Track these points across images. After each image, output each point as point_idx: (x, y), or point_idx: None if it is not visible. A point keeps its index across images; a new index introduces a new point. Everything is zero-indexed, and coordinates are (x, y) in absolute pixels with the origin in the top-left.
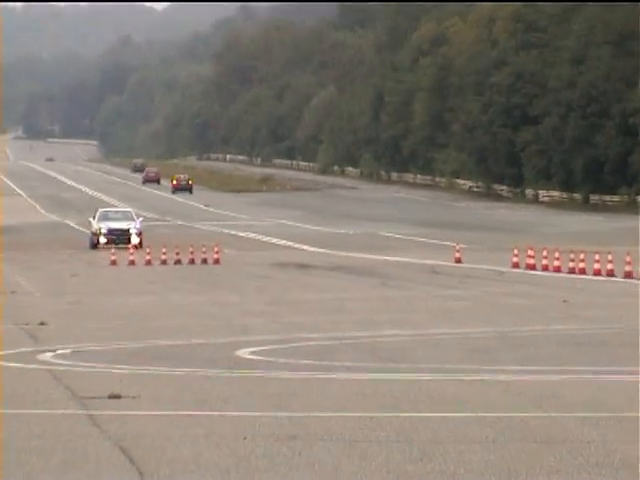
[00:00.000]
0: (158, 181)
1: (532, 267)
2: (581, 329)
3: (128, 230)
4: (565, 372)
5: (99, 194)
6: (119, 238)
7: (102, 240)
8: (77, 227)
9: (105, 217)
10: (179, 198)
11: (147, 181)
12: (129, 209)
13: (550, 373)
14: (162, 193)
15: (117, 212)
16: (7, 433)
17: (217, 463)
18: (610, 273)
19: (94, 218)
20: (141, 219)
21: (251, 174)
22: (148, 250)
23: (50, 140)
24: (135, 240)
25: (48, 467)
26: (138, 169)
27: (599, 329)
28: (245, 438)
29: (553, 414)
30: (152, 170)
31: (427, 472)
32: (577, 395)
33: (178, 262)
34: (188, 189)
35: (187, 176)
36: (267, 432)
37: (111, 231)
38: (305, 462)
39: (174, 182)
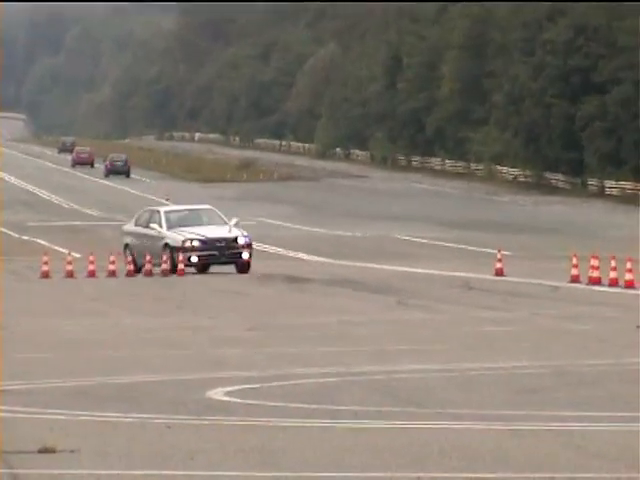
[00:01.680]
0: (92, 164)
1: (596, 281)
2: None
3: (236, 239)
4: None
5: (27, 184)
6: (223, 254)
7: (193, 259)
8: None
9: (181, 220)
10: (130, 188)
11: (78, 163)
12: (208, 206)
13: (621, 420)
14: (110, 183)
15: (195, 212)
16: None
17: None
18: None
19: (159, 223)
20: (237, 219)
21: (227, 158)
22: (91, 258)
23: None
24: (246, 256)
25: None
26: (67, 149)
27: None
28: None
29: (626, 475)
30: (84, 150)
31: None
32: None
33: (131, 273)
34: (125, 172)
35: (125, 156)
36: None
37: (209, 242)
38: None
39: (107, 163)
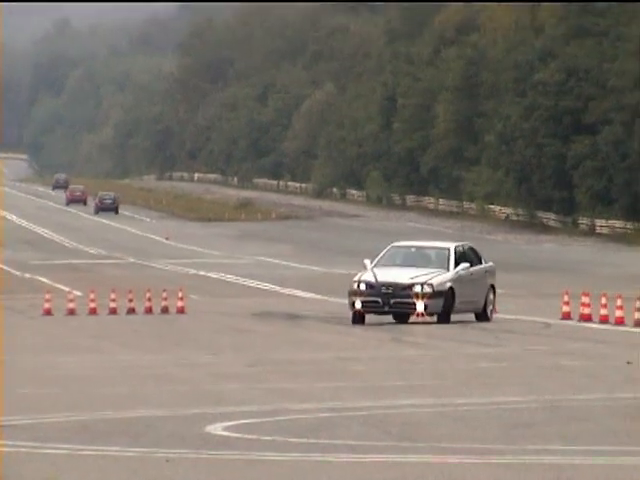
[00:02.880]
0: (84, 202)
1: (587, 318)
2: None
3: (410, 287)
4: (632, 453)
5: (30, 223)
6: (388, 303)
7: (357, 304)
8: (0, 266)
9: (395, 258)
10: (131, 228)
11: (72, 201)
12: (448, 244)
13: (613, 454)
14: (110, 222)
15: (422, 249)
16: None
17: None
18: None
19: (373, 262)
20: (465, 265)
21: (226, 198)
22: (92, 296)
23: None
24: (420, 307)
25: None
26: (60, 185)
27: None
28: None
29: None
30: (77, 188)
31: None
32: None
33: (131, 311)
34: (113, 209)
35: (113, 194)
36: None
37: (376, 287)
38: None
39: (97, 201)
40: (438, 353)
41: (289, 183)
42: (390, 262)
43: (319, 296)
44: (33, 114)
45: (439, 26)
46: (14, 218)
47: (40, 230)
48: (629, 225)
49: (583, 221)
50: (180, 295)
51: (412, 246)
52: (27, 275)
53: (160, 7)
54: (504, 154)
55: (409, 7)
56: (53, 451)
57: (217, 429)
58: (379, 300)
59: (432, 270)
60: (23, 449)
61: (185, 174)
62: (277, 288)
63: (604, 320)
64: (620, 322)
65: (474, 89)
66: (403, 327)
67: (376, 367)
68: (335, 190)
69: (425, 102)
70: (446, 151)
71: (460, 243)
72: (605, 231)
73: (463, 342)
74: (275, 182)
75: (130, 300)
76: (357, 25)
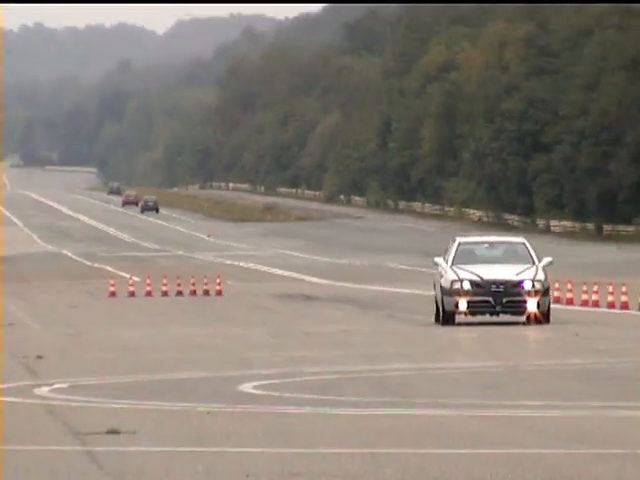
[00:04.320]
0: (136, 204)
1: (556, 300)
2: (594, 363)
3: (520, 284)
4: (578, 407)
5: (97, 223)
6: (501, 302)
7: (462, 305)
8: (75, 257)
9: (472, 255)
10: (179, 227)
11: (126, 203)
12: (520, 239)
13: (562, 408)
14: (162, 222)
15: (495, 244)
16: (3, 470)
17: None
18: (624, 306)
19: (446, 259)
20: (549, 259)
21: (254, 203)
22: (148, 281)
23: (48, 168)
24: (532, 306)
25: None
26: (114, 191)
27: (613, 363)
28: (248, 476)
29: (565, 450)
30: (131, 193)
31: None
32: (589, 430)
33: (179, 293)
34: (155, 209)
35: (155, 197)
36: (270, 469)
37: (484, 286)
38: None
39: (142, 203)
40: (423, 327)
41: (305, 191)
42: (469, 259)
43: (328, 281)
44: (100, 136)
45: (424, 66)
46: (85, 219)
47: (105, 228)
48: (577, 225)
49: (540, 222)
50: (218, 281)
51: (484, 242)
52: (96, 264)
53: (202, 50)
54: (477, 168)
55: (401, 50)
56: (115, 405)
57: (247, 388)
58: (490, 300)
59: (524, 266)
60: (91, 404)
61: (222, 184)
62: (294, 274)
63: (557, 300)
64: (570, 302)
65: (453, 116)
66: (397, 304)
67: (374, 338)
68: (342, 197)
69: (414, 126)
70: (430, 166)
71: (519, 238)
72: (558, 230)
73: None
74: (294, 190)
75: (178, 285)
76: (359, 64)
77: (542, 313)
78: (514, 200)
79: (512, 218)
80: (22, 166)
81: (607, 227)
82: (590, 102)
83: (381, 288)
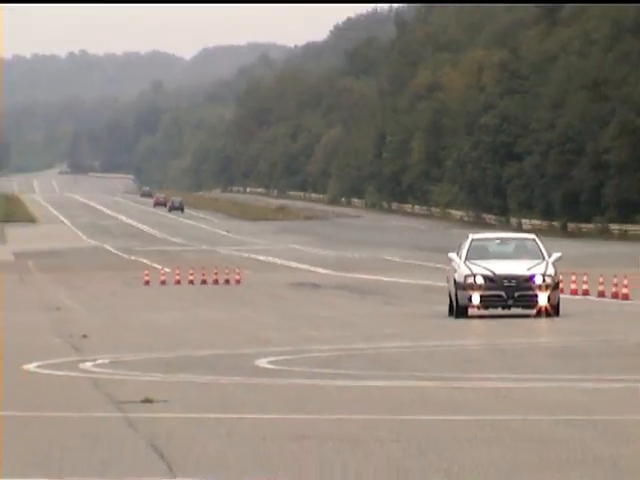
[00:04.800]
0: (165, 204)
1: None
2: (565, 341)
3: (531, 279)
4: (548, 380)
5: (133, 221)
6: (513, 296)
7: (475, 299)
8: (114, 251)
9: (484, 251)
10: (202, 224)
11: (157, 204)
12: (530, 235)
13: (535, 380)
14: (188, 220)
15: (506, 240)
16: (52, 433)
17: (238, 460)
18: (585, 292)
19: (459, 255)
20: (558, 255)
21: (268, 204)
22: (177, 272)
23: (92, 174)
24: (543, 300)
25: (88, 464)
26: (145, 194)
27: (582, 342)
28: (264, 439)
29: (535, 417)
30: (161, 195)
31: (422, 468)
32: (557, 399)
33: (204, 282)
34: (180, 208)
35: (180, 198)
36: (282, 433)
37: (497, 280)
38: (315, 459)
39: (170, 203)
40: (413, 310)
41: (312, 194)
42: (482, 255)
43: (332, 272)
44: (136, 147)
45: (414, 87)
46: (123, 218)
47: (140, 226)
48: (544, 223)
49: (513, 220)
50: (237, 271)
51: (496, 238)
52: (132, 257)
53: (223, 73)
54: (459, 174)
55: (394, 73)
56: (149, 378)
57: (263, 363)
58: (503, 294)
59: (535, 261)
60: (128, 377)
61: (240, 188)
62: (303, 266)
63: None
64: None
65: (438, 130)
66: (391, 291)
67: (371, 321)
68: (343, 199)
69: (405, 139)
70: (419, 172)
71: (530, 235)
72: (528, 227)
73: (430, 303)
74: (302, 193)
75: (203, 275)
76: (358, 85)
77: (552, 306)
78: (491, 202)
79: (489, 217)
80: (69, 173)
81: (571, 225)
82: (556, 118)
83: (378, 277)
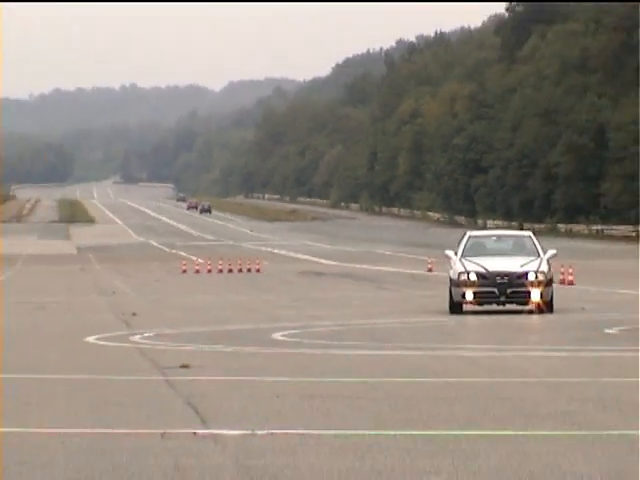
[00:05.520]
0: (196, 207)
1: None
2: (532, 318)
3: (524, 275)
4: (513, 350)
5: (172, 222)
6: (505, 293)
7: (468, 296)
8: (158, 246)
9: (481, 248)
10: (229, 224)
11: (190, 207)
12: (526, 233)
13: (501, 350)
14: (217, 221)
15: (503, 237)
16: (106, 393)
17: (258, 414)
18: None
19: (456, 252)
20: (553, 252)
21: (282, 208)
22: (209, 262)
23: (140, 184)
24: (536, 296)
25: (136, 418)
26: (180, 199)
27: (547, 320)
28: (278, 396)
29: (499, 379)
30: (193, 200)
31: (406, 420)
32: (519, 365)
33: (230, 271)
34: (209, 210)
35: (209, 202)
36: (293, 392)
37: (489, 277)
38: (321, 414)
39: (200, 206)
40: (400, 294)
41: (317, 200)
42: (478, 252)
43: (333, 262)
44: (175, 162)
45: (400, 114)
46: (164, 219)
47: (178, 225)
48: (505, 223)
49: (480, 221)
50: (258, 262)
51: (492, 235)
52: (173, 251)
53: (246, 102)
54: (436, 184)
55: (384, 103)
56: (187, 348)
57: (277, 336)
58: (495, 290)
59: (529, 258)
60: (169, 347)
61: (260, 195)
62: (310, 257)
63: None
64: None
65: (419, 148)
66: (383, 278)
67: (367, 302)
68: (342, 204)
69: (392, 155)
70: (404, 183)
71: (526, 232)
72: (492, 226)
73: (414, 288)
74: (309, 199)
75: (229, 265)
76: (355, 113)
77: (545, 303)
78: (461, 206)
79: (460, 219)
80: (121, 183)
81: (526, 224)
82: (514, 139)
83: (371, 267)
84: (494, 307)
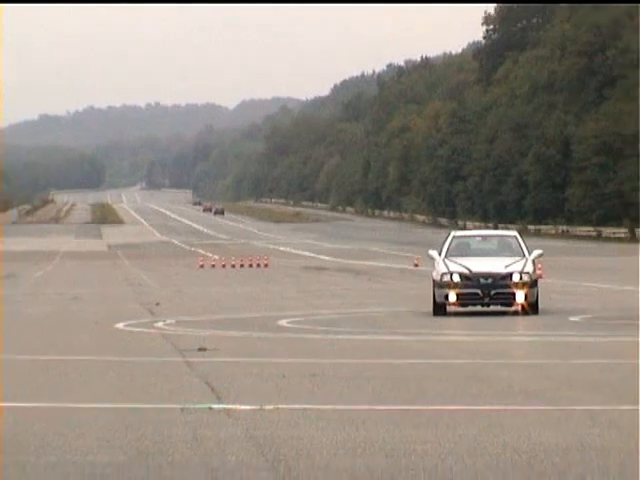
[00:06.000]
0: (211, 210)
1: None
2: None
3: (509, 276)
4: (490, 335)
5: (191, 222)
6: (489, 294)
7: (451, 297)
8: (178, 244)
9: (465, 248)
10: (240, 225)
11: (205, 210)
12: (512, 232)
13: (477, 335)
14: (229, 222)
15: (488, 238)
16: (133, 373)
17: (265, 391)
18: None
19: (440, 252)
20: (539, 252)
21: (287, 211)
22: (223, 258)
23: (163, 190)
24: (521, 298)
25: (160, 393)
26: (196, 203)
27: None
28: (284, 376)
29: (478, 360)
30: (207, 204)
31: (396, 397)
32: (495, 348)
33: (242, 266)
34: (222, 212)
35: (222, 205)
36: (297, 371)
37: (473, 278)
38: (321, 391)
39: (213, 209)
40: (390, 286)
41: (318, 204)
42: (463, 252)
43: (332, 258)
44: (194, 170)
45: (390, 128)
46: (186, 221)
47: (195, 225)
48: (482, 224)
49: (460, 222)
50: (266, 258)
51: (477, 235)
52: (192, 249)
53: (256, 118)
54: (422, 190)
55: (376, 119)
56: (203, 333)
57: (283, 322)
58: (479, 292)
59: (514, 258)
60: (188, 332)
61: (267, 199)
62: (312, 254)
63: None
64: None
65: (407, 159)
66: (375, 272)
67: (360, 293)
68: (340, 207)
69: (384, 165)
70: (394, 189)
71: (512, 232)
72: (471, 227)
73: (403, 280)
74: (311, 203)
75: (241, 260)
76: (351, 127)
77: (529, 304)
78: (444, 209)
79: (443, 220)
80: (146, 189)
81: (501, 225)
82: (490, 150)
83: (365, 262)
84: (478, 308)
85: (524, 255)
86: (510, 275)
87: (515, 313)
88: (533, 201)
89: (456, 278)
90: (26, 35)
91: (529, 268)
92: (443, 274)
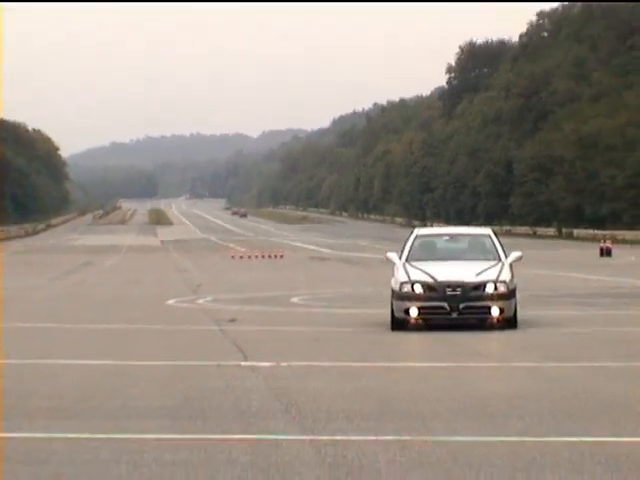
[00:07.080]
0: (237, 213)
1: None
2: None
3: (481, 287)
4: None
5: (224, 223)
6: (457, 308)
7: (412, 312)
8: (215, 240)
9: (430, 250)
10: (261, 225)
11: (234, 214)
12: (486, 230)
13: (465, 332)
14: (253, 223)
15: (457, 237)
16: (179, 338)
17: (281, 352)
18: None
19: (400, 255)
20: (518, 254)
21: (297, 215)
22: (249, 251)
23: (204, 199)
24: (495, 312)
25: (200, 353)
26: (227, 208)
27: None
28: (296, 340)
29: (447, 329)
30: (235, 209)
31: (382, 355)
32: (482, 348)
33: (263, 257)
34: (245, 215)
35: (245, 209)
36: (305, 337)
37: (438, 288)
38: (324, 351)
39: (239, 212)
40: (379, 272)
41: (321, 209)
42: (428, 255)
43: (332, 251)
44: (227, 184)
45: (375, 152)
46: (220, 222)
47: (227, 226)
48: (447, 225)
49: (428, 223)
50: (282, 250)
51: (445, 234)
52: (225, 243)
53: (274, 145)
54: (399, 199)
55: (365, 145)
56: (234, 308)
57: (295, 300)
58: (445, 305)
59: (488, 263)
60: (222, 307)
61: (282, 206)
62: (317, 248)
63: None
64: None
65: (388, 176)
66: (364, 261)
67: (356, 278)
68: (337, 212)
69: (370, 180)
70: (378, 198)
71: (486, 230)
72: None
73: (387, 268)
74: (316, 209)
75: (262, 252)
76: (346, 152)
77: (506, 319)
78: (417, 213)
79: (416, 222)
80: (191, 198)
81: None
82: (451, 169)
83: (357, 254)
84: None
85: (500, 259)
86: (483, 285)
87: (491, 327)
88: (484, 207)
89: (418, 289)
90: (118, 81)
91: (505, 276)
92: (403, 283)
